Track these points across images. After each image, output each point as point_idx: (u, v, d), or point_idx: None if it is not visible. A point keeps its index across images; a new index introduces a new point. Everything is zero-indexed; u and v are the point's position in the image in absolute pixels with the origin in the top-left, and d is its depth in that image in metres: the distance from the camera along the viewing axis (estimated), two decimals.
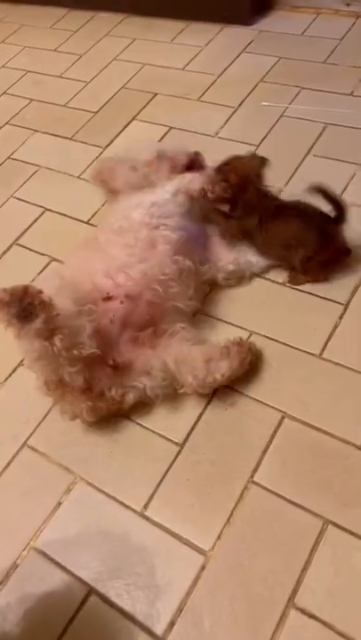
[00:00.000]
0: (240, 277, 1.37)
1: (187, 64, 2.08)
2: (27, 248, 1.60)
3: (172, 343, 1.16)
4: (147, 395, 1.15)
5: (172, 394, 1.18)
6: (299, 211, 1.25)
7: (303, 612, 0.92)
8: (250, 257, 1.36)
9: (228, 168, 1.32)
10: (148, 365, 1.13)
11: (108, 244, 1.27)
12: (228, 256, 1.36)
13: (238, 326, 1.29)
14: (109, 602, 0.98)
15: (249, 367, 1.18)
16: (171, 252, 1.25)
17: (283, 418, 1.13)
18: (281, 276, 1.36)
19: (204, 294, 1.35)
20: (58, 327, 1.01)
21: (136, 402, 1.17)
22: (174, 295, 1.23)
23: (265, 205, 1.29)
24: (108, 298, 1.18)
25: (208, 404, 1.18)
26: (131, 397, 1.14)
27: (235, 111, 1.83)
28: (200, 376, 1.12)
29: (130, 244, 1.25)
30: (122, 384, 1.13)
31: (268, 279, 1.37)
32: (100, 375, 1.11)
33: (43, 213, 1.69)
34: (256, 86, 1.90)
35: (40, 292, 1.01)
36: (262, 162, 1.33)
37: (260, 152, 1.65)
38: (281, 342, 1.25)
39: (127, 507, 1.08)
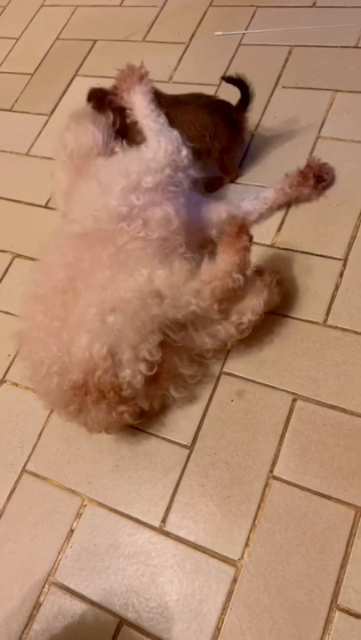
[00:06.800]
0: None
1: None
2: None
3: None
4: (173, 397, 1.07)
5: None
6: (203, 102, 1.25)
7: (348, 612, 0.86)
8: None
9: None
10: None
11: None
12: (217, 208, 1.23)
13: None
14: (144, 631, 0.92)
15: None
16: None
17: (294, 400, 1.04)
18: (268, 237, 1.23)
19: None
20: None
21: None
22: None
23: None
24: None
25: (211, 397, 1.08)
26: (157, 403, 1.06)
27: (186, 47, 1.62)
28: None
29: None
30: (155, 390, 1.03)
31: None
32: None
33: None
34: (205, 13, 1.67)
35: None
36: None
37: (223, 91, 1.47)
38: (280, 314, 1.13)
39: (144, 524, 1.01)
